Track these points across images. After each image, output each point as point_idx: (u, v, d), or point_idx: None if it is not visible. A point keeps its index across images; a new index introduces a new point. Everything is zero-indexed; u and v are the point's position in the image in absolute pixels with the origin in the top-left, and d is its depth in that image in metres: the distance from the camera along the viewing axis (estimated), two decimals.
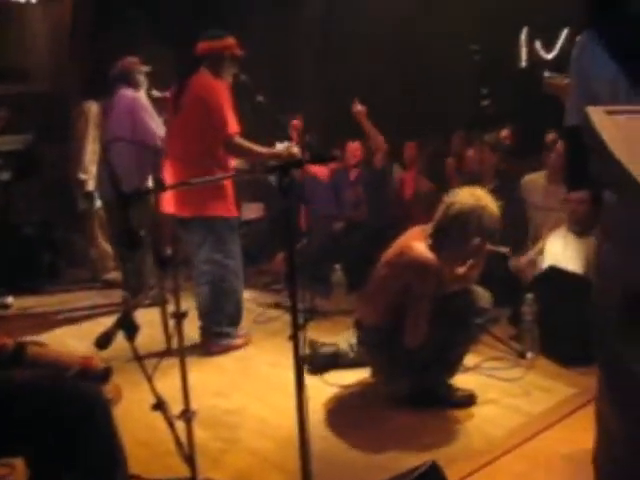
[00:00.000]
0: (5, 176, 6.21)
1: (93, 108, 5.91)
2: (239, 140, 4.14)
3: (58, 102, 6.76)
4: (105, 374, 2.32)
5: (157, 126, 5.07)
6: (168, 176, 4.24)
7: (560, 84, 2.72)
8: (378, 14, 6.92)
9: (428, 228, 3.39)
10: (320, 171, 5.87)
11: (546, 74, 3.56)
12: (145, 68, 5.26)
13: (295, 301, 2.02)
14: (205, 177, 3.88)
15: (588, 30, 2.05)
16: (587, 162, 2.13)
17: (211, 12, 7.08)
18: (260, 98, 4.24)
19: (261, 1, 7.40)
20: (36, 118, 6.54)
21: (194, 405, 2.68)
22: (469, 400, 3.49)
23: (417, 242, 3.31)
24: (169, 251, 2.30)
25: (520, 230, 4.90)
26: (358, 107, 5.67)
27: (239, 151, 4.20)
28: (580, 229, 4.22)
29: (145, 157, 5.05)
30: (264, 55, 6.70)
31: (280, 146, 4.33)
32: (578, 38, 2.11)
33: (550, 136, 5.88)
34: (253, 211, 6.46)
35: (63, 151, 6.32)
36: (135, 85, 5.18)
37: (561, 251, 4.28)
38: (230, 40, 4.25)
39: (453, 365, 3.52)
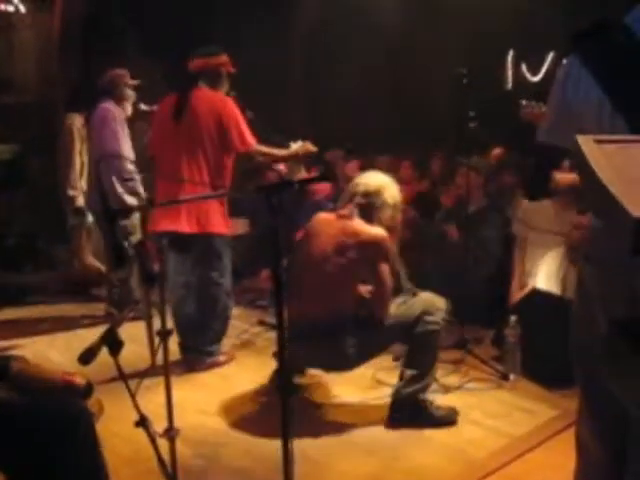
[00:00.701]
0: None
1: (77, 121, 5.86)
2: (260, 147, 4.20)
3: (45, 113, 6.76)
4: (87, 390, 2.30)
5: (116, 142, 4.95)
6: (160, 191, 4.19)
7: (537, 112, 2.77)
8: (366, 34, 7.00)
9: (345, 211, 3.50)
10: (321, 187, 5.85)
11: (523, 102, 3.62)
12: (133, 82, 5.22)
13: (282, 320, 2.02)
14: (203, 191, 3.97)
15: (574, 53, 2.08)
16: (548, 177, 2.22)
17: (198, 28, 7.11)
18: (250, 114, 4.26)
19: (248, 16, 7.44)
20: (22, 129, 6.51)
21: (177, 422, 2.67)
22: (451, 416, 3.51)
23: (359, 222, 3.44)
24: (156, 267, 2.30)
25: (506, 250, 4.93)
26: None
27: (263, 156, 4.24)
28: (576, 256, 4.20)
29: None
30: (253, 70, 6.73)
31: (295, 146, 4.37)
32: (564, 61, 2.14)
33: (497, 153, 5.97)
34: (239, 227, 6.44)
35: (49, 162, 6.31)
36: (120, 98, 5.12)
37: (554, 274, 4.30)
38: (225, 57, 4.26)
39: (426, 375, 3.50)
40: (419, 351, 3.45)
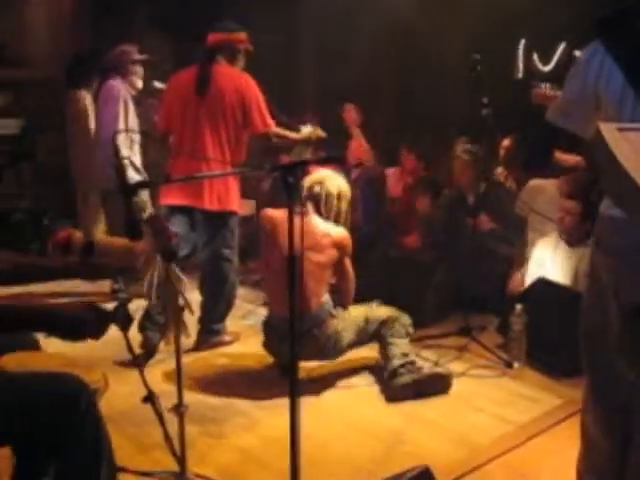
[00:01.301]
0: None
1: (87, 98, 5.82)
2: (277, 130, 4.23)
3: (53, 89, 6.73)
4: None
5: (122, 120, 4.95)
6: (180, 166, 4.10)
7: (548, 94, 2.77)
8: (378, 18, 6.94)
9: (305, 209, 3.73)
10: None
11: (534, 83, 3.61)
12: (141, 56, 5.15)
13: (294, 305, 2.02)
14: (225, 169, 4.01)
15: (597, 39, 2.08)
16: (548, 154, 2.25)
17: (211, 8, 7.07)
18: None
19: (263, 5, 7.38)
20: (32, 104, 6.49)
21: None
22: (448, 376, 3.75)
23: (321, 222, 3.75)
24: (175, 244, 2.30)
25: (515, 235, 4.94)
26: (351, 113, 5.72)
27: (278, 139, 4.26)
28: (569, 239, 4.23)
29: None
30: (264, 54, 6.69)
31: (305, 130, 4.43)
32: (588, 47, 2.14)
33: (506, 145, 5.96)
34: (244, 208, 6.43)
35: (57, 139, 6.29)
36: (127, 74, 5.06)
37: (549, 259, 4.30)
38: (244, 34, 4.23)
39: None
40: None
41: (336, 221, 3.81)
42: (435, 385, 3.66)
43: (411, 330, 3.86)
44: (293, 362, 2.12)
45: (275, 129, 4.20)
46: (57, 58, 7.04)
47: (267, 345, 3.89)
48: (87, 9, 7.02)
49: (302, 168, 2.08)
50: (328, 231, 3.71)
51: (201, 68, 4.14)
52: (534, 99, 3.50)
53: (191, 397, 3.23)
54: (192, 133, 4.13)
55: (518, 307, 3.98)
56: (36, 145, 6.68)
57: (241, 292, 5.50)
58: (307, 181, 3.81)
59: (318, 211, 3.78)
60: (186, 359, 3.97)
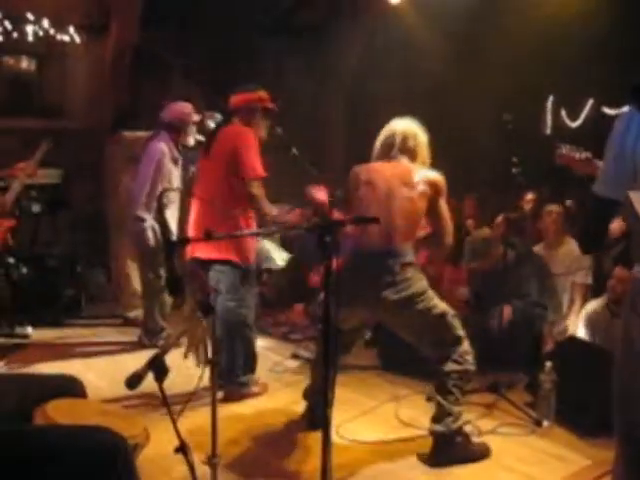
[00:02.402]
0: (36, 208, 6.32)
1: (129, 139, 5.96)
2: (258, 189, 4.20)
3: (90, 140, 6.92)
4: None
5: (149, 184, 5.13)
6: (193, 217, 4.31)
7: (572, 156, 2.81)
8: (410, 76, 7.08)
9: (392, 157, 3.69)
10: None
11: (559, 146, 3.66)
12: (197, 117, 5.33)
13: (328, 357, 2.06)
14: (228, 222, 4.06)
15: (633, 106, 2.11)
16: (604, 231, 2.23)
17: (243, 63, 7.27)
18: (294, 151, 4.32)
19: (293, 52, 7.56)
20: (69, 154, 6.67)
21: (209, 452, 2.70)
22: (486, 451, 3.60)
23: (413, 165, 3.65)
24: (211, 297, 2.36)
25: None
26: None
27: (253, 199, 4.20)
28: (617, 309, 4.18)
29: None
30: (298, 106, 6.84)
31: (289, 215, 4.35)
32: (623, 112, 2.18)
33: (530, 199, 5.99)
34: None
35: (91, 188, 6.45)
36: (180, 133, 5.25)
37: (594, 323, 4.30)
38: (262, 93, 4.36)
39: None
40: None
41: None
42: (477, 456, 3.59)
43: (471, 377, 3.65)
44: (326, 423, 2.13)
45: (257, 189, 4.18)
46: (95, 110, 7.27)
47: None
48: (125, 63, 7.23)
49: (339, 228, 2.13)
50: (422, 171, 3.63)
51: (211, 133, 4.40)
52: (557, 160, 3.55)
53: (219, 447, 3.24)
54: (200, 186, 4.39)
55: (548, 365, 3.97)
56: (72, 194, 6.84)
57: (269, 344, 5.57)
58: (397, 132, 3.72)
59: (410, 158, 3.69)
60: (208, 407, 4.01)
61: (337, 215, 3.51)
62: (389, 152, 3.70)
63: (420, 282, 3.54)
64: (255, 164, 4.19)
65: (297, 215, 4.19)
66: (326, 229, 2.07)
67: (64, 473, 2.06)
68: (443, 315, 3.53)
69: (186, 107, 5.32)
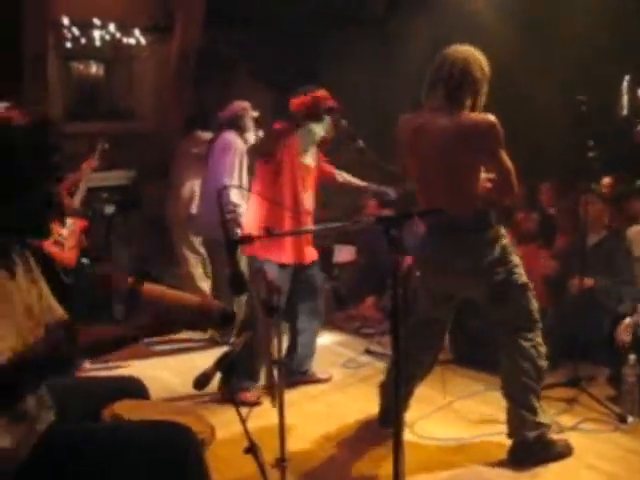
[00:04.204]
0: (109, 210, 6.44)
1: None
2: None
3: (159, 140, 7.01)
4: (224, 316, 2.24)
5: (237, 172, 5.11)
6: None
7: None
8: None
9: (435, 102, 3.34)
10: None
11: (638, 121, 3.48)
12: (254, 114, 5.33)
13: (399, 355, 1.99)
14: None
15: None
16: None
17: (309, 59, 7.23)
18: (361, 143, 4.24)
19: (357, 48, 7.49)
20: (139, 155, 6.77)
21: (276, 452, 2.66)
22: (568, 450, 3.45)
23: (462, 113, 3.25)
24: (275, 299, 2.33)
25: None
26: None
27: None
28: None
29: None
30: (361, 100, 6.77)
31: None
32: None
33: (608, 183, 5.75)
34: (345, 254, 6.47)
35: (160, 188, 6.53)
36: (243, 130, 5.22)
37: None
38: (322, 92, 4.16)
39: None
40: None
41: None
42: (558, 455, 3.44)
43: (544, 376, 3.50)
44: (397, 415, 2.07)
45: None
46: (162, 111, 7.37)
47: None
48: (190, 64, 7.30)
49: (407, 220, 2.05)
50: (475, 119, 3.24)
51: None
52: (637, 138, 3.38)
53: (290, 448, 3.20)
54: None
55: (631, 358, 3.80)
56: (143, 195, 6.94)
57: (342, 339, 5.52)
58: (447, 59, 3.32)
59: (458, 100, 3.27)
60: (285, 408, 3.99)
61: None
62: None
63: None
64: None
65: None
66: (391, 222, 2.00)
67: (136, 467, 2.07)
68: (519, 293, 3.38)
69: (244, 103, 5.30)
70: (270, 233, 2.34)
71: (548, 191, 6.23)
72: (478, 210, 3.33)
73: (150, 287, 2.31)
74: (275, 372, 2.70)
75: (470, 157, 3.28)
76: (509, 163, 3.25)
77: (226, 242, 2.22)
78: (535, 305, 3.42)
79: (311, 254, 4.36)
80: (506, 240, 3.40)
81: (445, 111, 3.27)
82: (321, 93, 4.19)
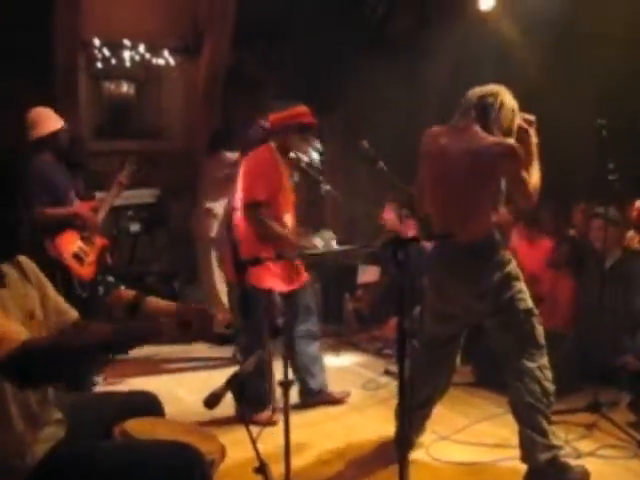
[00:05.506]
0: (135, 227, 6.52)
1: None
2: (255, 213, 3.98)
3: (186, 159, 7.11)
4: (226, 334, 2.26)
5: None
6: None
7: None
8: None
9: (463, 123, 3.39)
10: None
11: None
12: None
13: (403, 375, 1.99)
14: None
15: None
16: None
17: (335, 79, 7.26)
18: (381, 165, 4.23)
19: (386, 64, 7.51)
20: (166, 174, 6.86)
21: (298, 470, 2.67)
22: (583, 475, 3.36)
23: (480, 134, 3.32)
24: (280, 321, 2.34)
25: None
26: None
27: (255, 223, 3.90)
28: None
29: None
30: (393, 117, 6.76)
31: (315, 240, 4.24)
32: None
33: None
34: (369, 274, 6.45)
35: (187, 206, 6.60)
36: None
37: None
38: (300, 109, 4.28)
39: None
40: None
41: (506, 136, 3.37)
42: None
43: (552, 399, 3.38)
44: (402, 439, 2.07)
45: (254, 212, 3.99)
46: (190, 131, 7.46)
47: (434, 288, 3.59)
48: (218, 83, 7.38)
49: (414, 244, 2.06)
50: (495, 140, 3.30)
51: None
52: None
53: (304, 466, 3.22)
54: None
55: None
56: (169, 213, 7.03)
57: (362, 360, 5.51)
58: (476, 92, 3.42)
59: (485, 124, 3.36)
60: (301, 426, 3.90)
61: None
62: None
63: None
64: (254, 188, 4.07)
65: None
66: (399, 245, 2.01)
67: None
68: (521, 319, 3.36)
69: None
70: (280, 256, 2.36)
71: (580, 214, 6.16)
72: (487, 234, 3.36)
73: (153, 300, 2.35)
74: (280, 392, 2.70)
75: (488, 180, 3.31)
76: (528, 179, 3.30)
77: (234, 263, 2.25)
78: (540, 330, 3.39)
79: (303, 276, 4.24)
80: (513, 265, 3.40)
81: (469, 133, 3.34)
82: (299, 109, 4.22)
